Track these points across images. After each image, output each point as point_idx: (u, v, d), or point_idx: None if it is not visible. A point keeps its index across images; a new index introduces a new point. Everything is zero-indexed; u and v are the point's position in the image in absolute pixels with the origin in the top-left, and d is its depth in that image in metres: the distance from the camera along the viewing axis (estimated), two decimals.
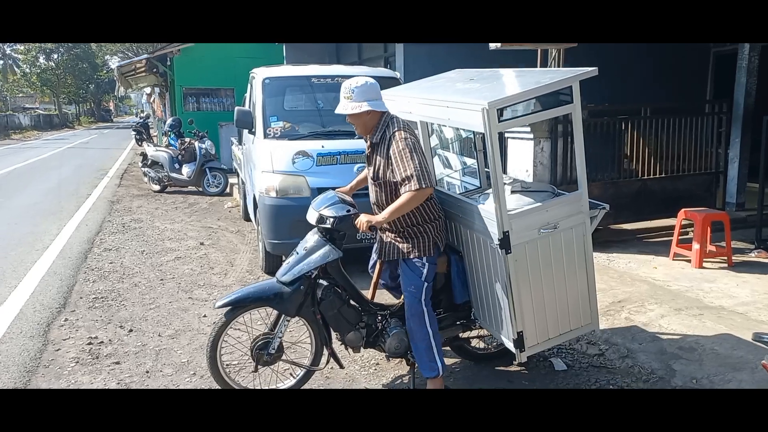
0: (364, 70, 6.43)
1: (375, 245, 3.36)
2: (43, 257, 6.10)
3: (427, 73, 4.34)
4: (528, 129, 5.87)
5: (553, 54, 6.11)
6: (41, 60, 48.17)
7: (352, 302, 3.19)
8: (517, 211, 2.94)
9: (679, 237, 5.44)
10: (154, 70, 16.58)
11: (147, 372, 3.57)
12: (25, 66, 49.79)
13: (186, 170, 10.46)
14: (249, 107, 6.09)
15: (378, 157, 3.00)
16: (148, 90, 30.87)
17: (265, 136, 5.39)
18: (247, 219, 7.43)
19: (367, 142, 3.14)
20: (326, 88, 5.99)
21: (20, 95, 53.59)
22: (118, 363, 3.69)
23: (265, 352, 3.10)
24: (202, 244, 6.66)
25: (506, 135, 6.47)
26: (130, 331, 4.19)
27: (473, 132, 3.61)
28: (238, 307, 3.07)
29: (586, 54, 5.72)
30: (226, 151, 11.71)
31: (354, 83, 2.95)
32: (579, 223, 3.04)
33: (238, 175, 8.55)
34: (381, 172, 2.99)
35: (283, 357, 3.19)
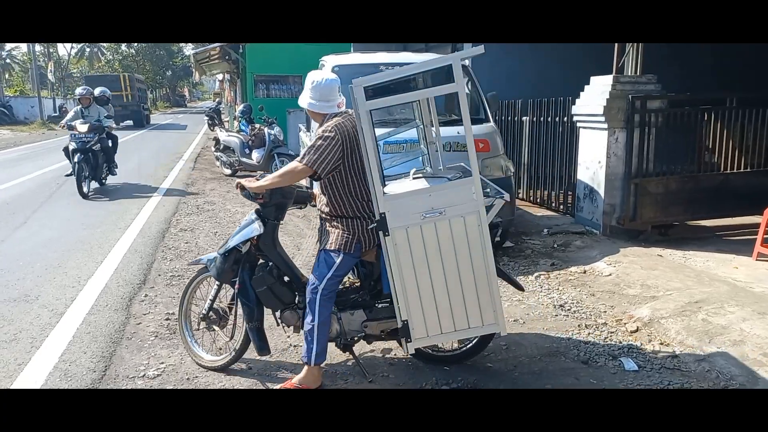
0: (432, 56, 6.37)
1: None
2: (125, 235, 6.49)
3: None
4: (603, 118, 5.66)
5: (628, 49, 5.84)
6: (123, 47, 50.87)
7: (286, 280, 3.29)
8: (395, 193, 2.90)
9: (764, 236, 5.12)
10: (227, 57, 17.14)
11: (220, 349, 3.74)
12: (108, 53, 52.69)
13: (256, 155, 10.77)
14: None
15: None
16: (220, 77, 31.88)
17: None
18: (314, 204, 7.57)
19: None
20: None
21: None
22: None
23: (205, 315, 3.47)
24: None
25: (578, 124, 6.26)
26: None
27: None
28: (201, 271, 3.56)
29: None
30: (294, 138, 11.96)
31: (318, 77, 3.10)
32: (471, 211, 2.86)
33: None
34: None
35: (218, 325, 3.51)
